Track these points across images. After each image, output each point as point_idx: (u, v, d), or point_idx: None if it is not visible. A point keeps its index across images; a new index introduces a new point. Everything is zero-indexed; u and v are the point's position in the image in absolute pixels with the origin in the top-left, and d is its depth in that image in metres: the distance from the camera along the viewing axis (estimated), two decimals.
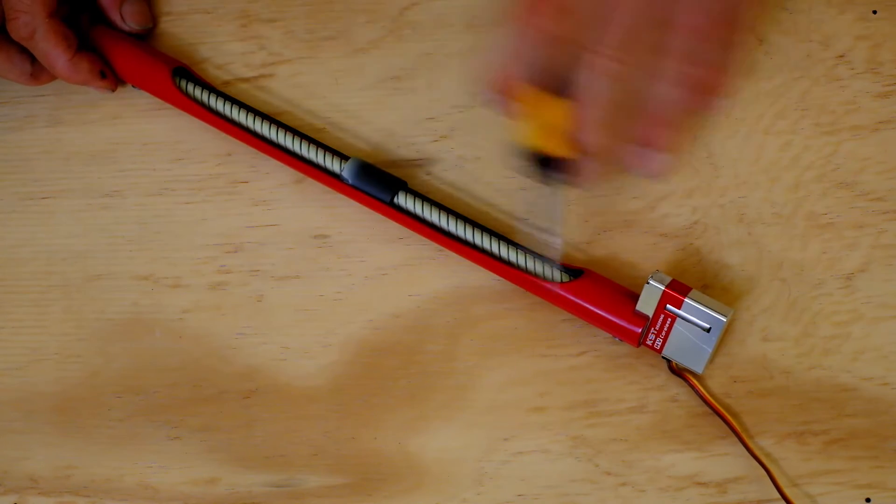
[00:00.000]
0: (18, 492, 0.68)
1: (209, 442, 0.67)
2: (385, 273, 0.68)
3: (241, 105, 0.69)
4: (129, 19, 0.70)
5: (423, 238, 0.67)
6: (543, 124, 0.57)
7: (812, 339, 0.64)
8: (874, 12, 0.68)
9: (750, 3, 0.58)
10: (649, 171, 0.58)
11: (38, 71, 0.70)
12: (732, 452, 0.64)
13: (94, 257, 0.70)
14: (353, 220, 0.68)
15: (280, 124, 0.68)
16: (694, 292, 0.62)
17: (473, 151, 0.69)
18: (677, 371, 0.64)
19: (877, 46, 0.67)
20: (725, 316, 0.62)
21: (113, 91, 0.71)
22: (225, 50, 0.71)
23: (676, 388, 0.65)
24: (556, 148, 0.58)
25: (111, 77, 0.70)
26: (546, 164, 0.58)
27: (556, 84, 0.56)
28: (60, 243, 0.70)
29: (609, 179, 0.64)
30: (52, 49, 0.68)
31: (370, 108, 0.70)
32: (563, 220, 0.63)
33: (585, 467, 0.64)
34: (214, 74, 0.71)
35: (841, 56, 0.67)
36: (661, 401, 0.65)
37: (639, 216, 0.67)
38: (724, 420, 0.63)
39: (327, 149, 0.68)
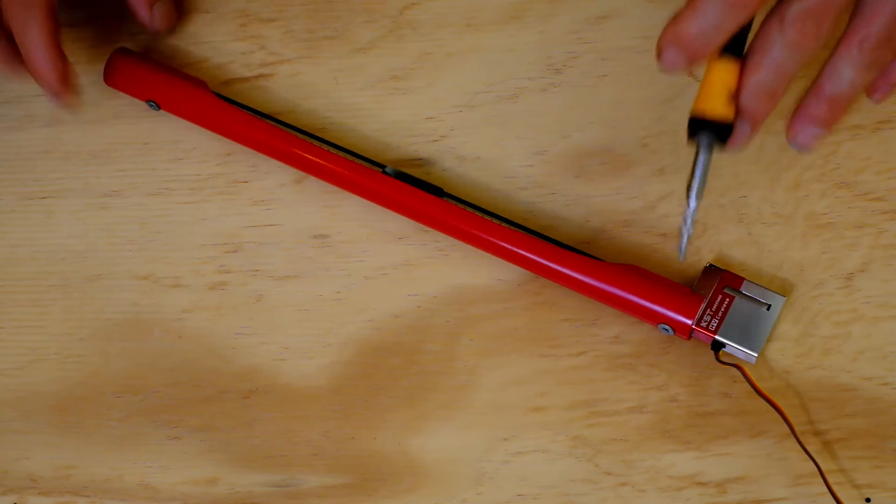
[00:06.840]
0: (18, 492, 0.68)
1: (209, 442, 0.67)
2: (385, 273, 0.68)
3: (271, 119, 0.68)
4: (159, 18, 0.70)
5: (424, 238, 0.67)
6: (710, 85, 0.56)
7: (812, 338, 0.64)
8: None
9: None
10: (801, 144, 0.59)
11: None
12: (732, 452, 0.64)
13: (94, 257, 0.70)
14: (353, 220, 0.68)
15: (317, 137, 0.68)
16: (748, 280, 0.64)
17: (473, 151, 0.69)
18: (725, 361, 0.64)
19: None
20: (784, 295, 0.63)
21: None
22: (225, 50, 0.71)
23: (676, 387, 0.64)
24: (718, 109, 0.56)
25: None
26: (703, 127, 0.57)
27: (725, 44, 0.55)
28: (60, 243, 0.70)
29: (749, 145, 0.60)
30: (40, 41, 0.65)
31: (370, 107, 0.70)
32: (702, 190, 0.59)
33: (585, 467, 0.64)
34: (214, 74, 0.71)
35: None
36: (661, 401, 0.65)
37: (639, 216, 0.67)
38: (777, 410, 0.62)
39: (363, 158, 0.68)
